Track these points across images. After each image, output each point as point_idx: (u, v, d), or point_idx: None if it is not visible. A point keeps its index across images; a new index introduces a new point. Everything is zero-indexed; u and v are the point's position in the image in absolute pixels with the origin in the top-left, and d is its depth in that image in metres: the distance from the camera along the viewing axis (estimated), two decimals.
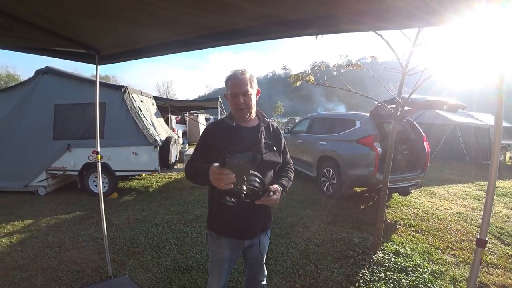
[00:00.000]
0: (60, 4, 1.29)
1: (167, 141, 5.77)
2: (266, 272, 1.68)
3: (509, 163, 11.70)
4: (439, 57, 2.93)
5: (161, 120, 7.20)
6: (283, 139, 1.60)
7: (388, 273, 2.87)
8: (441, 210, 5.06)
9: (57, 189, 5.75)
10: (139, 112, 5.50)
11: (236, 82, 1.39)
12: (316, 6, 1.16)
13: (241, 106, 1.39)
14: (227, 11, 1.24)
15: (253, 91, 1.42)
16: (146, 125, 5.44)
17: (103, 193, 5.25)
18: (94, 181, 5.48)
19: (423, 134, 5.25)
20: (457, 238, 3.89)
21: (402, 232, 4.03)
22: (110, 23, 1.54)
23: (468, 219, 4.63)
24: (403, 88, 3.06)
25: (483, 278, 2.95)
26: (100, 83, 5.82)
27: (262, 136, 1.46)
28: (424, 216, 4.69)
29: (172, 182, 6.79)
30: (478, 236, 1.30)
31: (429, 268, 3.00)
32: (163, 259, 3.00)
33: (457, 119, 10.48)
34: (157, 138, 5.44)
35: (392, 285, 2.68)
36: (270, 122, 1.57)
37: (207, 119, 19.05)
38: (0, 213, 4.46)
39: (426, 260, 3.21)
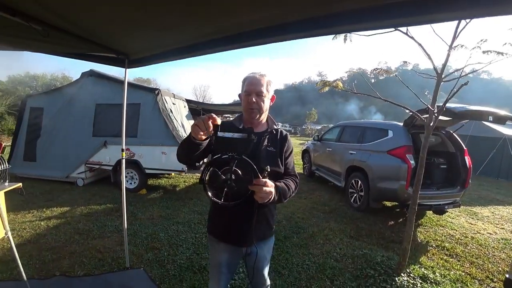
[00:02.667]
0: (93, 15, 1.40)
1: None
2: (268, 283, 1.62)
3: None
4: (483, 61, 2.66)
5: (192, 122, 7.46)
6: (289, 148, 1.53)
7: None
8: (483, 234, 4.54)
9: (93, 182, 6.22)
10: (170, 114, 5.75)
11: (252, 81, 1.38)
12: (318, 5, 1.11)
13: (253, 105, 1.37)
14: (234, 13, 1.25)
15: (267, 94, 1.40)
16: (176, 126, 5.66)
17: (132, 188, 5.66)
18: (126, 177, 5.82)
19: (465, 148, 4.78)
20: (500, 269, 3.44)
21: (433, 254, 3.68)
22: (138, 30, 1.64)
23: None
24: (437, 95, 2.81)
25: None
26: (136, 85, 6.26)
27: (265, 143, 1.41)
28: (461, 239, 4.24)
29: (199, 182, 6.96)
30: (507, 276, 1.10)
31: None
32: (178, 257, 3.07)
33: (508, 132, 9.41)
34: None
35: None
36: (279, 130, 1.52)
37: None
38: (43, 199, 4.94)
39: None
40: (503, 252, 3.90)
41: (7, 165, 1.90)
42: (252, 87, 1.37)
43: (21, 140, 6.31)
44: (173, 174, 7.49)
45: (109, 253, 3.09)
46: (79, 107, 5.89)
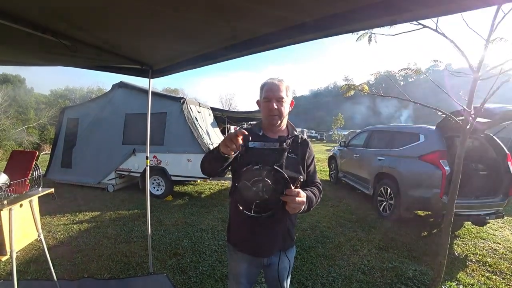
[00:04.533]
0: (118, 30, 1.48)
1: None
2: None
3: None
4: None
5: (217, 130, 7.58)
6: (311, 155, 1.48)
7: None
8: None
9: (122, 188, 6.52)
10: (196, 122, 5.90)
11: (271, 87, 1.36)
12: (333, 4, 1.07)
13: (274, 112, 1.34)
14: (246, 17, 1.24)
15: (287, 99, 1.38)
16: (201, 134, 5.78)
17: (159, 195, 5.83)
18: (153, 183, 6.02)
19: (507, 152, 4.36)
20: None
21: (473, 270, 3.35)
22: (160, 42, 1.71)
23: None
24: (474, 95, 2.59)
25: None
26: (163, 95, 6.51)
27: (286, 149, 1.38)
28: (506, 254, 3.83)
29: (224, 190, 7.03)
30: None
31: None
32: (200, 264, 3.08)
33: None
34: (210, 146, 5.73)
35: None
36: (299, 135, 1.46)
37: None
38: (77, 204, 5.25)
39: None
40: None
41: (41, 172, 2.04)
42: (271, 93, 1.34)
43: (59, 148, 6.82)
44: (198, 181, 7.63)
45: (134, 257, 3.18)
46: (110, 117, 6.25)
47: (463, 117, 2.74)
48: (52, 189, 2.11)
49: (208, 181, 7.41)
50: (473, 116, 2.51)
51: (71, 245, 3.49)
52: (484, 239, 4.29)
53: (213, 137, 6.60)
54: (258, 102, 1.45)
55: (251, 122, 13.75)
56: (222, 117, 9.68)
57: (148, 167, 2.78)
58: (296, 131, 1.48)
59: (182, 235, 3.88)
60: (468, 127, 2.57)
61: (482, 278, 3.16)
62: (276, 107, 1.33)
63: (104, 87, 43.21)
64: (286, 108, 1.37)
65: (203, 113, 6.85)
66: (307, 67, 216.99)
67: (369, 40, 3.20)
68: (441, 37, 2.62)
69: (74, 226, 4.13)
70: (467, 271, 3.33)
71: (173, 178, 5.85)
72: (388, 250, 3.71)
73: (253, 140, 1.36)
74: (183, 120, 5.77)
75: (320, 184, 1.48)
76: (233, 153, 1.09)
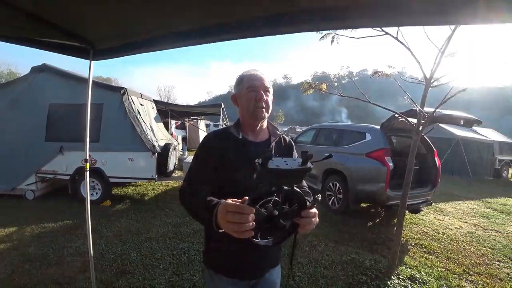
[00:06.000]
0: None
1: (166, 147, 5.49)
2: None
3: None
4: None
5: (161, 125, 6.94)
6: (296, 155, 1.32)
7: None
8: (451, 229, 4.80)
9: (46, 194, 5.41)
10: (138, 116, 5.24)
11: (255, 77, 1.17)
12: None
13: (261, 103, 1.14)
14: None
15: (271, 94, 1.21)
16: (144, 129, 5.17)
17: (95, 200, 5.05)
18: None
19: (434, 149, 5.03)
20: (473, 262, 3.62)
21: (414, 253, 3.76)
22: (108, 9, 1.30)
23: (480, 240, 4.38)
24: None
25: None
26: (99, 83, 5.62)
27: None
28: (435, 236, 4.42)
29: (170, 190, 6.49)
30: None
31: None
32: (156, 281, 2.69)
33: (460, 133, 10.33)
34: (155, 144, 5.17)
35: None
36: (282, 136, 1.30)
37: (207, 126, 18.76)
38: None
39: (444, 287, 2.95)
40: (472, 246, 4.14)
41: None
42: (257, 83, 1.16)
43: None
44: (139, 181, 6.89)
45: (71, 283, 2.59)
46: (28, 107, 5.07)
47: (414, 119, 2.98)
48: None
49: (152, 181, 6.75)
50: (426, 118, 2.74)
51: None
52: (416, 224, 4.88)
53: (158, 133, 6.00)
54: (235, 97, 1.23)
55: (193, 117, 13.14)
56: (165, 111, 8.94)
57: (88, 173, 2.25)
58: (279, 131, 1.29)
59: (128, 248, 3.38)
60: (420, 128, 2.81)
61: (422, 259, 3.56)
62: (265, 97, 1.15)
63: (17, 71, 35.62)
64: (271, 102, 1.20)
65: (146, 106, 6.17)
66: (247, 66, 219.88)
67: (332, 40, 3.23)
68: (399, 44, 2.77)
69: None
70: (410, 254, 3.72)
71: (111, 180, 5.12)
72: (343, 243, 3.89)
73: (234, 146, 1.14)
74: (123, 113, 5.07)
75: (307, 187, 1.32)
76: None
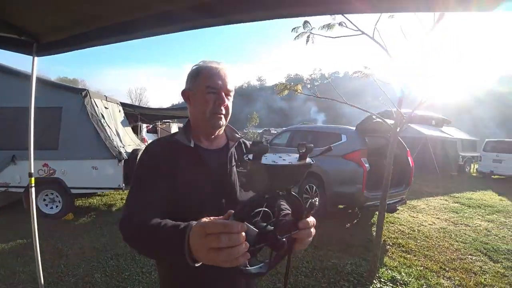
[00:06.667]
0: None
1: (134, 153, 5.12)
2: None
3: (475, 174, 12.34)
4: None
5: (129, 129, 6.49)
6: None
7: None
8: (425, 226, 4.93)
9: None
10: (102, 120, 4.83)
11: (218, 74, 0.92)
12: None
13: (221, 109, 0.92)
14: None
15: (232, 94, 0.98)
16: (109, 135, 4.77)
17: (54, 214, 4.56)
18: (45, 200, 4.67)
19: (407, 149, 5.15)
20: (448, 257, 3.71)
21: (393, 253, 3.77)
22: None
23: (452, 235, 4.53)
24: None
25: None
26: (56, 84, 5.13)
27: (233, 163, 0.99)
28: (411, 234, 4.50)
29: None
30: None
31: None
32: None
33: (428, 132, 10.86)
34: (122, 150, 4.79)
35: None
36: (241, 140, 1.09)
37: (179, 129, 18.25)
38: None
39: (424, 286, 2.96)
40: (445, 241, 4.26)
41: None
42: (220, 82, 0.91)
43: None
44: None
45: None
46: None
47: (391, 120, 2.97)
48: None
49: (121, 191, 6.30)
50: (405, 119, 2.72)
51: None
52: (392, 223, 4.95)
53: (125, 138, 5.59)
54: (187, 94, 0.97)
55: (166, 121, 12.64)
56: (134, 114, 8.43)
57: (33, 189, 1.92)
58: (238, 134, 1.07)
59: (92, 268, 3.03)
60: (398, 130, 2.79)
61: (401, 259, 3.58)
62: (226, 102, 0.93)
63: None
64: (231, 105, 0.98)
65: (112, 109, 5.72)
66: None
67: (307, 40, 3.13)
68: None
69: None
70: (389, 254, 3.72)
71: (73, 191, 4.66)
72: (322, 248, 3.80)
73: (184, 156, 0.90)
74: (85, 117, 4.63)
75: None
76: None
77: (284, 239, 0.65)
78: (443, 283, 3.04)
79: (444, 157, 10.86)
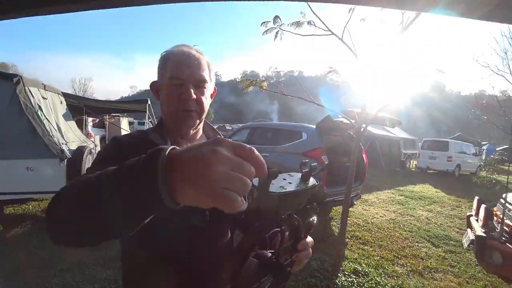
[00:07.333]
0: None
1: (79, 151, 4.53)
2: None
3: (414, 169, 13.81)
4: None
5: (72, 123, 5.76)
6: None
7: None
8: (377, 218, 5.31)
9: None
10: (39, 112, 4.16)
11: (185, 60, 0.76)
12: None
13: (189, 105, 0.75)
14: None
15: (210, 85, 0.83)
16: (48, 130, 4.13)
17: None
18: None
19: (362, 147, 5.46)
20: (399, 246, 4.04)
21: (352, 246, 3.97)
22: None
23: (401, 225, 4.95)
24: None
25: (432, 285, 3.05)
26: None
27: None
28: (365, 226, 4.80)
29: None
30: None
31: (389, 285, 2.95)
32: None
33: (375, 132, 11.79)
34: (64, 147, 4.20)
35: None
36: None
37: (130, 124, 16.94)
38: None
39: (383, 275, 3.17)
40: (395, 231, 4.64)
41: None
42: (187, 71, 0.76)
43: None
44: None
45: None
46: None
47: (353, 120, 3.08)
48: None
49: None
50: (369, 119, 2.83)
51: None
52: (348, 217, 5.19)
53: (68, 134, 4.94)
54: (155, 85, 0.83)
55: (115, 115, 11.59)
56: (78, 107, 7.52)
57: None
58: (220, 135, 0.89)
59: None
60: (362, 129, 2.91)
61: (360, 251, 3.78)
62: (194, 96, 0.76)
63: None
64: (208, 100, 0.82)
65: (52, 100, 4.99)
66: None
67: (275, 36, 3.08)
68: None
69: None
70: (349, 247, 3.90)
71: (1, 198, 3.95)
72: None
73: None
74: (17, 108, 3.93)
75: None
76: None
77: (289, 268, 0.57)
78: (397, 270, 3.30)
79: (388, 154, 11.93)
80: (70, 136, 5.00)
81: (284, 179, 0.56)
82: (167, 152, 0.36)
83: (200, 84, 0.78)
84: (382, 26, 2.56)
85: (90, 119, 10.04)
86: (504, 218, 2.56)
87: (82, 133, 6.69)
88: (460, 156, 12.28)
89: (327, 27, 2.68)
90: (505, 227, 2.54)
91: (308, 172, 0.58)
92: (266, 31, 3.00)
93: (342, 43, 2.75)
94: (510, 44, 12.25)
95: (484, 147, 18.35)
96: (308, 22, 2.80)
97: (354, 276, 3.06)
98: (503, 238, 2.45)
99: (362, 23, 2.61)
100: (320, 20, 2.62)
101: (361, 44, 2.83)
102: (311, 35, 2.87)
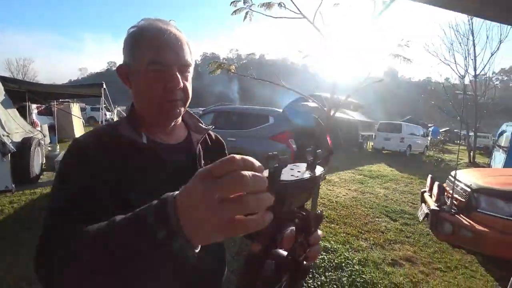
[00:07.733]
0: None
1: (26, 143, 4.06)
2: None
3: (370, 150, 14.81)
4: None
5: (14, 111, 5.09)
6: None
7: (327, 274, 2.84)
8: (341, 197, 5.62)
9: None
10: None
11: (167, 42, 0.64)
12: None
13: (175, 94, 0.66)
14: None
15: (191, 69, 0.72)
16: None
17: None
18: None
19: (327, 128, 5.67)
20: (362, 222, 4.34)
21: (320, 224, 4.16)
22: None
23: (362, 203, 5.31)
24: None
25: (392, 255, 3.35)
26: None
27: (202, 162, 0.76)
28: (331, 205, 5.06)
29: (38, 201, 4.90)
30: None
31: (356, 258, 3.16)
32: None
33: (337, 115, 12.31)
34: (6, 140, 3.70)
35: (335, 286, 2.66)
36: (208, 132, 0.84)
37: (82, 110, 15.52)
38: None
39: (349, 249, 3.38)
40: (358, 209, 4.96)
41: None
42: (172, 54, 0.65)
43: None
44: None
45: None
46: None
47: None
48: None
49: (10, 193, 4.93)
50: (339, 104, 2.91)
51: None
52: None
53: (9, 124, 4.36)
54: (124, 71, 0.69)
55: (64, 100, 10.49)
56: (20, 92, 6.61)
57: None
58: (202, 124, 0.84)
59: None
60: (332, 113, 2.99)
61: (327, 229, 3.98)
62: (182, 84, 0.66)
63: None
64: (190, 85, 0.72)
65: None
66: None
67: (245, 17, 2.96)
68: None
69: None
70: None
71: None
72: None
73: (134, 157, 0.65)
74: None
75: None
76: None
77: (307, 264, 0.53)
78: (362, 244, 3.55)
79: (347, 136, 12.61)
80: (12, 126, 4.43)
81: (291, 169, 0.51)
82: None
83: (184, 69, 0.67)
84: (352, 11, 2.59)
85: (34, 105, 8.94)
86: (454, 193, 2.88)
87: (26, 122, 5.96)
88: (411, 137, 13.44)
89: (299, 10, 2.64)
90: (454, 201, 2.87)
91: (313, 160, 0.54)
92: (235, 11, 2.87)
93: (311, 27, 2.75)
94: (456, 36, 13.50)
95: (430, 129, 20.38)
96: (279, 4, 2.73)
97: (324, 253, 3.22)
98: (453, 211, 2.76)
99: (335, 8, 2.61)
100: (292, 2, 2.57)
101: (331, 28, 2.85)
102: (282, 17, 2.81)
